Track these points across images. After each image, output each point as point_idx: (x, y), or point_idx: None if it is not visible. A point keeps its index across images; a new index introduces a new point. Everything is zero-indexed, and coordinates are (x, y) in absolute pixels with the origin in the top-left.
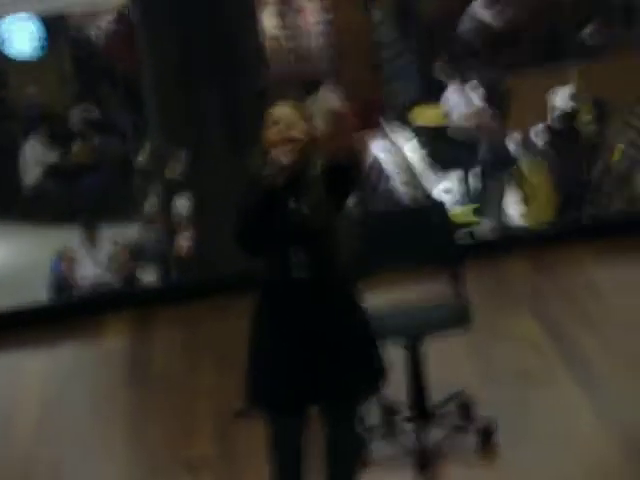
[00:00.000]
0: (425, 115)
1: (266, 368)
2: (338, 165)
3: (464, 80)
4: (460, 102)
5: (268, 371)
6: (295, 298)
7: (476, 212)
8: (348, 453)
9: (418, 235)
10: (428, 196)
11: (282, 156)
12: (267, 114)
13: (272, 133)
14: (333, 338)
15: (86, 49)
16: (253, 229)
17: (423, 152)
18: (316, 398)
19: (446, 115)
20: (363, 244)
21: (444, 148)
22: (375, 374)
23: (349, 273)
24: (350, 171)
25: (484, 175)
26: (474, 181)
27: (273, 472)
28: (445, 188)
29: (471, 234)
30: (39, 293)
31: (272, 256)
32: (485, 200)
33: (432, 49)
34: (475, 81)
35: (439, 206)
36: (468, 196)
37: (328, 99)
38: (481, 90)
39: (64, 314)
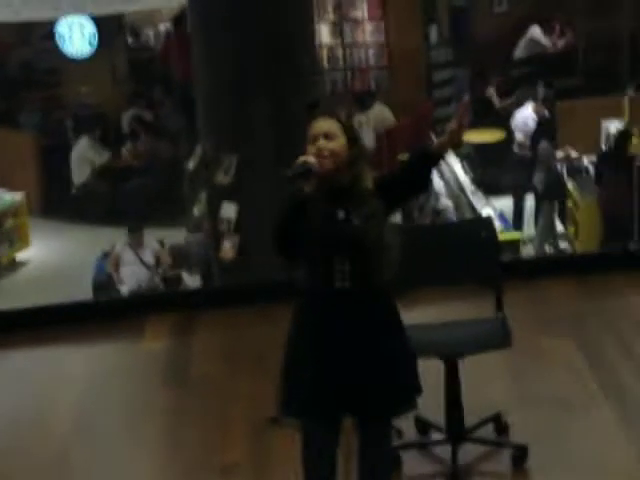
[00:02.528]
0: (478, 136)
1: (302, 377)
2: (427, 153)
3: (518, 103)
4: (523, 123)
5: (304, 380)
6: (336, 308)
7: (524, 237)
8: (380, 468)
9: (463, 251)
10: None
11: (309, 160)
12: (309, 127)
13: (311, 146)
14: (371, 351)
15: (141, 52)
16: (285, 237)
17: (472, 174)
18: (350, 410)
19: (506, 135)
20: (407, 259)
21: (495, 170)
22: (411, 391)
23: (392, 286)
24: (433, 163)
25: (538, 199)
26: (525, 205)
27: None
28: (494, 211)
29: (516, 255)
30: (84, 291)
31: (315, 265)
32: (536, 224)
33: (485, 72)
34: (534, 104)
35: (486, 222)
36: (519, 220)
37: (382, 113)
38: (538, 114)
39: (106, 313)
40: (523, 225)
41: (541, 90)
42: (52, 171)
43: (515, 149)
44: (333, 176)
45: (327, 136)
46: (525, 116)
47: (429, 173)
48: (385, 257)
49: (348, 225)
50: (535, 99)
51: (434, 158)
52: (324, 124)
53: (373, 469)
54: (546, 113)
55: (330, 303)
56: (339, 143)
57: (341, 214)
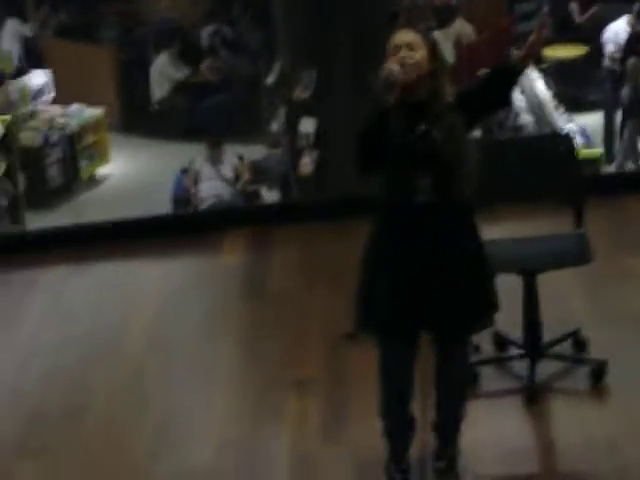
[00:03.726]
0: (560, 51)
1: (380, 292)
2: (508, 68)
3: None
4: (615, 36)
5: (381, 295)
6: (416, 222)
7: (606, 154)
8: (457, 383)
9: (542, 167)
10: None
11: (394, 68)
12: (390, 39)
13: (393, 58)
14: (450, 267)
15: None
16: (368, 149)
17: (554, 90)
18: (428, 326)
19: (588, 50)
20: (485, 174)
21: (579, 85)
22: (488, 307)
23: (472, 201)
24: (514, 77)
25: (625, 115)
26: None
27: (382, 396)
28: (576, 127)
29: (597, 171)
30: (164, 207)
31: (395, 178)
32: (620, 141)
33: None
34: (629, 16)
35: (565, 137)
36: (610, 135)
37: (462, 28)
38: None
39: (185, 228)
40: (613, 140)
41: (637, 4)
42: (131, 86)
43: (605, 62)
44: (414, 88)
45: (410, 47)
46: (618, 29)
47: (509, 88)
48: (464, 172)
49: (428, 138)
50: (625, 13)
51: (514, 73)
52: (407, 35)
53: (451, 386)
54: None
55: (409, 216)
56: (421, 54)
57: (421, 127)
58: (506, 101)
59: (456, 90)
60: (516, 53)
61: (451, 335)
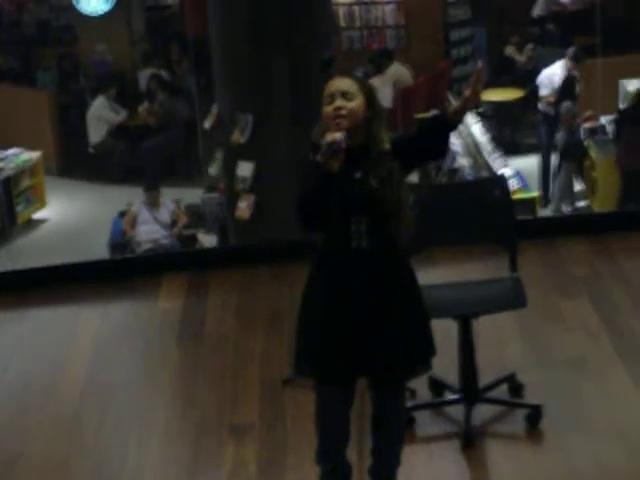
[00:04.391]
0: (497, 94)
1: (316, 336)
2: (444, 121)
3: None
4: (549, 80)
5: (318, 339)
6: (352, 268)
7: (542, 197)
8: (394, 429)
9: (477, 210)
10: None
11: (337, 136)
12: (326, 86)
13: (328, 106)
14: (387, 312)
15: (159, 10)
16: (312, 212)
17: (491, 133)
18: (365, 371)
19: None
20: (421, 218)
21: (515, 129)
22: (426, 352)
23: (408, 247)
24: (450, 130)
25: (561, 159)
26: (545, 165)
27: (318, 441)
28: (512, 171)
29: (533, 214)
30: (101, 251)
31: (332, 225)
32: (555, 184)
33: (504, 31)
34: (566, 60)
35: (499, 181)
36: (547, 179)
37: (399, 72)
38: (568, 71)
39: (122, 272)
40: (549, 183)
41: (572, 49)
42: (69, 130)
43: (540, 106)
44: (350, 136)
45: (345, 95)
46: (552, 72)
47: (446, 139)
48: (403, 217)
49: (365, 186)
50: (561, 57)
51: (451, 124)
52: (342, 82)
53: (388, 431)
54: (575, 72)
55: (346, 263)
56: (357, 103)
57: (358, 174)
58: (442, 152)
59: (393, 136)
60: (453, 107)
61: (388, 380)
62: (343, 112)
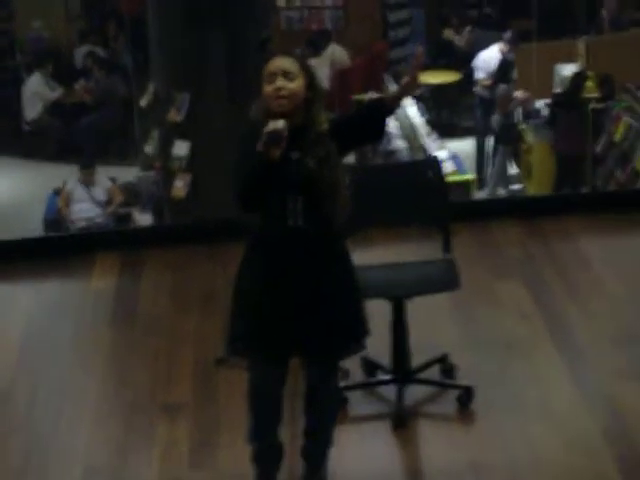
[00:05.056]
0: (434, 77)
1: (249, 315)
2: (382, 106)
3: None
4: (486, 63)
5: (251, 318)
6: (287, 246)
7: (478, 180)
8: (326, 408)
9: (412, 192)
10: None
11: (279, 125)
12: (267, 64)
13: (269, 85)
14: (321, 291)
15: None
16: (252, 196)
17: (427, 116)
18: (298, 350)
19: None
20: (356, 199)
21: (452, 112)
22: (359, 331)
23: (343, 227)
24: (387, 115)
25: (496, 142)
26: (480, 148)
27: (251, 420)
28: (448, 153)
29: (469, 196)
30: (35, 228)
31: (269, 204)
32: (491, 167)
33: (442, 13)
34: (501, 44)
35: (432, 162)
36: (482, 161)
37: (336, 54)
38: (503, 55)
39: (56, 250)
40: (485, 166)
41: (508, 32)
42: (4, 106)
43: (476, 89)
44: (289, 117)
45: (287, 75)
46: (488, 56)
47: (382, 125)
48: (339, 198)
49: (302, 167)
50: (498, 41)
51: (389, 109)
52: (284, 62)
53: (321, 411)
54: (511, 55)
55: (281, 241)
56: (298, 83)
57: (295, 154)
58: (379, 135)
59: (330, 117)
60: (391, 92)
61: (321, 359)
62: (284, 93)
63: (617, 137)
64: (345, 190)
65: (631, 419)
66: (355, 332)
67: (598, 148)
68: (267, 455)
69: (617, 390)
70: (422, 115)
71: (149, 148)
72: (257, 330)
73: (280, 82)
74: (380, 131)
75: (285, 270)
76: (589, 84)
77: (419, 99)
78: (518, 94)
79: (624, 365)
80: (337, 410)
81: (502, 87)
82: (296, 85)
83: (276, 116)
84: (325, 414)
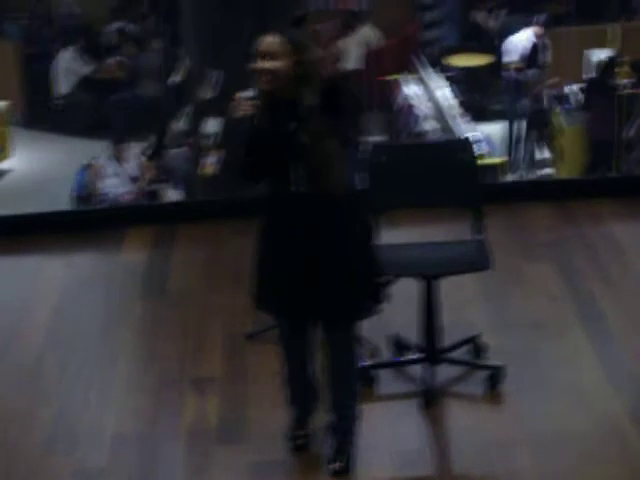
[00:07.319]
0: (467, 60)
1: (268, 280)
2: (329, 88)
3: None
4: (520, 46)
5: (269, 282)
6: (295, 212)
7: (509, 163)
8: (344, 373)
9: (443, 173)
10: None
11: (240, 108)
12: (256, 43)
13: (256, 63)
14: (329, 256)
15: None
16: (250, 163)
17: (457, 100)
18: (312, 313)
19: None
20: (387, 178)
21: (486, 94)
22: (370, 297)
23: (356, 196)
24: (340, 94)
25: (529, 126)
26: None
27: (283, 365)
28: (480, 135)
29: (500, 178)
30: (65, 203)
31: (274, 173)
32: (520, 151)
33: None
34: (536, 27)
35: (466, 144)
36: (506, 145)
37: (368, 34)
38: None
39: (86, 224)
40: (516, 149)
41: (542, 16)
42: (36, 81)
43: (505, 73)
44: (278, 94)
45: (267, 55)
46: (519, 40)
47: (337, 101)
48: (332, 171)
49: (296, 141)
50: (530, 24)
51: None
52: (266, 43)
53: (338, 375)
54: (545, 39)
55: (288, 207)
56: (281, 63)
57: (293, 126)
58: (346, 111)
59: (324, 88)
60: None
61: (333, 322)
62: (264, 72)
63: None
64: (340, 163)
65: None
66: (366, 296)
67: (630, 132)
68: (300, 396)
69: None
70: (455, 97)
71: (181, 125)
72: (274, 292)
73: (260, 62)
74: (343, 107)
75: (293, 235)
76: (624, 69)
77: (451, 81)
78: (550, 79)
79: None
80: (356, 375)
81: (532, 71)
82: (279, 64)
83: (263, 92)
84: (343, 379)
